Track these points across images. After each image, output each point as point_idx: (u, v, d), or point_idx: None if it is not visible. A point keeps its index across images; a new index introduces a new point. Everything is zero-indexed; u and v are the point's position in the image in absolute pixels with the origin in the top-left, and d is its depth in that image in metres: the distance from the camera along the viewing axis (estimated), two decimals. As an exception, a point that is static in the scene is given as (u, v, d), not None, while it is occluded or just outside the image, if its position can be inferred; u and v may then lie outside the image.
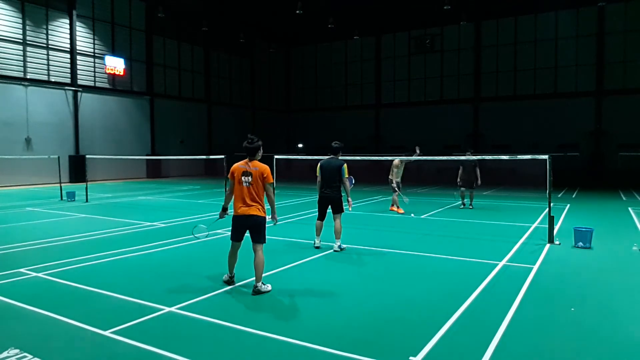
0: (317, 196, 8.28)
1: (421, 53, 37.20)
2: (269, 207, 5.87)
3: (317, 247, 8.22)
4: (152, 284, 6.12)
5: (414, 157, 12.89)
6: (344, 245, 8.14)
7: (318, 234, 8.30)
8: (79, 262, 7.23)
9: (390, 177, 12.78)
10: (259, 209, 5.64)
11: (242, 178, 5.64)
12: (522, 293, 5.63)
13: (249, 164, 5.68)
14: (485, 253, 7.89)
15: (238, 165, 5.74)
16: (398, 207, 13.00)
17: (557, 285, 6.09)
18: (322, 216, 8.24)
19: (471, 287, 5.80)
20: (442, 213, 13.11)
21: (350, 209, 8.27)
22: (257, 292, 5.59)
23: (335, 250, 7.95)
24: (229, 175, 5.82)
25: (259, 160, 5.77)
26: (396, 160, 12.74)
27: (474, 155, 12.76)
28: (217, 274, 6.61)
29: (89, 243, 8.84)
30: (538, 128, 32.15)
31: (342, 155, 8.28)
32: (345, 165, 8.00)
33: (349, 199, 8.03)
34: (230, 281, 6.02)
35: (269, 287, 5.75)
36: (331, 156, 8.21)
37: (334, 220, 8.04)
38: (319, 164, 8.18)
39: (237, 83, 39.17)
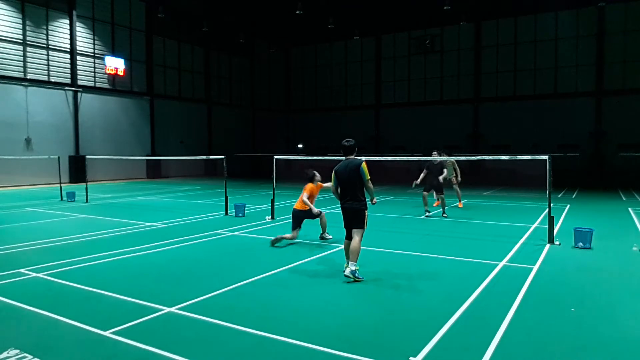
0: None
1: (421, 53, 37.16)
2: None
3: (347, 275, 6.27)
4: (152, 284, 6.13)
5: (440, 158, 12.72)
6: (359, 275, 6.13)
7: (347, 257, 6.44)
8: (79, 262, 7.23)
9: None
10: None
11: None
12: (522, 293, 5.62)
13: None
14: (485, 253, 7.89)
15: None
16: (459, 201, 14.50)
17: (557, 285, 6.08)
18: (349, 234, 6.43)
19: (471, 287, 5.81)
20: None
21: (373, 203, 6.57)
22: None
23: (346, 275, 6.16)
24: None
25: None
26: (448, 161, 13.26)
27: (442, 156, 12.34)
28: (217, 274, 6.62)
29: (89, 243, 8.83)
30: (538, 128, 32.13)
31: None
32: (364, 163, 6.27)
33: (374, 199, 6.57)
34: None
35: None
36: (346, 158, 6.47)
37: (353, 236, 6.31)
38: (333, 171, 6.48)
39: (237, 83, 39.14)
